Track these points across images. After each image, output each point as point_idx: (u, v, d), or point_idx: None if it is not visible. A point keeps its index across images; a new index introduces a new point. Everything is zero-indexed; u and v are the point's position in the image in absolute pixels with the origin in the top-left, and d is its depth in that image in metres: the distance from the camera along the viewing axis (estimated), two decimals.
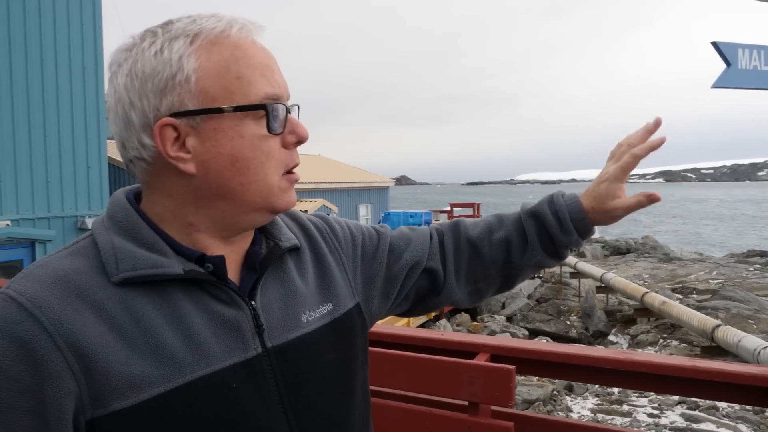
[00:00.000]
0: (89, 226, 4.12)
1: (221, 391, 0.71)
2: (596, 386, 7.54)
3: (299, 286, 0.85)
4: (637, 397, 7.01)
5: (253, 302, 0.78)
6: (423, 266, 1.01)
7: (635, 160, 0.94)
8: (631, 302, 10.92)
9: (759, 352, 6.19)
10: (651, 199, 0.92)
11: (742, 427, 5.61)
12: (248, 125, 0.73)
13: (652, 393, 6.75)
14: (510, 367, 1.58)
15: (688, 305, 9.44)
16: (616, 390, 7.33)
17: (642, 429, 5.97)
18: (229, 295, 0.75)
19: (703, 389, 1.61)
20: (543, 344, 1.80)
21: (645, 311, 9.86)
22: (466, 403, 1.63)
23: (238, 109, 0.72)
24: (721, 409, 5.99)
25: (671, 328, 8.89)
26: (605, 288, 12.07)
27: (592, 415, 6.73)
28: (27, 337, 0.62)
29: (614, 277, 11.63)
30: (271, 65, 0.77)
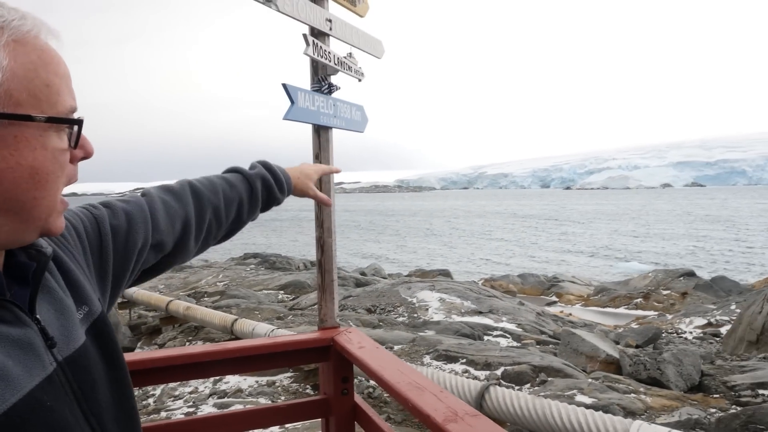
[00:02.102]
0: None
1: (40, 411, 0.67)
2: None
3: (60, 293, 0.80)
4: (172, 401, 7.29)
5: (38, 316, 0.73)
6: (150, 243, 1.02)
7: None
8: (154, 313, 11.15)
9: (268, 335, 7.39)
10: (326, 202, 1.44)
11: (262, 400, 6.58)
12: (51, 137, 0.69)
13: (186, 394, 7.11)
14: None
15: (206, 306, 10.34)
16: (151, 401, 7.42)
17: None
18: (14, 314, 0.69)
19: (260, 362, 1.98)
20: (147, 353, 1.82)
21: (170, 319, 10.24)
22: None
23: (51, 120, 0.68)
24: (244, 390, 6.88)
25: (195, 330, 9.56)
26: (128, 303, 11.89)
27: None
28: None
29: (137, 291, 11.59)
30: (69, 75, 0.73)
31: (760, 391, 5.77)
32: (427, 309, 9.38)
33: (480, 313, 9.14)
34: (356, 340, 1.87)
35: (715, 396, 5.91)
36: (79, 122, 0.71)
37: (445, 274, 20.70)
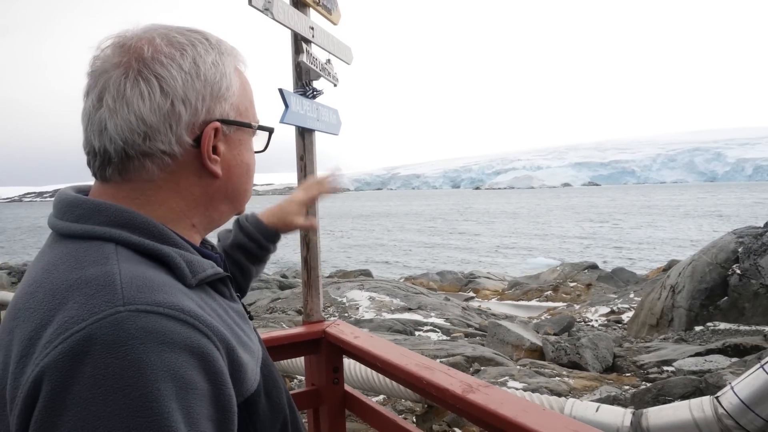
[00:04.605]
0: None
1: (270, 367, 0.86)
2: None
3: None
4: None
5: (238, 294, 0.88)
6: None
7: (319, 195, 1.39)
8: None
9: None
10: (313, 226, 1.49)
11: None
12: (253, 141, 0.87)
13: None
14: None
15: None
16: None
17: None
18: (229, 290, 0.83)
19: None
20: None
21: None
22: None
23: (260, 128, 0.86)
24: None
25: None
26: None
27: None
28: (199, 348, 0.62)
29: None
30: None
31: (665, 368, 6.43)
32: (357, 308, 9.53)
33: (409, 309, 9.42)
34: (349, 331, 1.98)
35: (627, 374, 6.52)
36: (273, 130, 0.90)
37: (366, 273, 20.95)
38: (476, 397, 1.34)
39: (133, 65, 0.72)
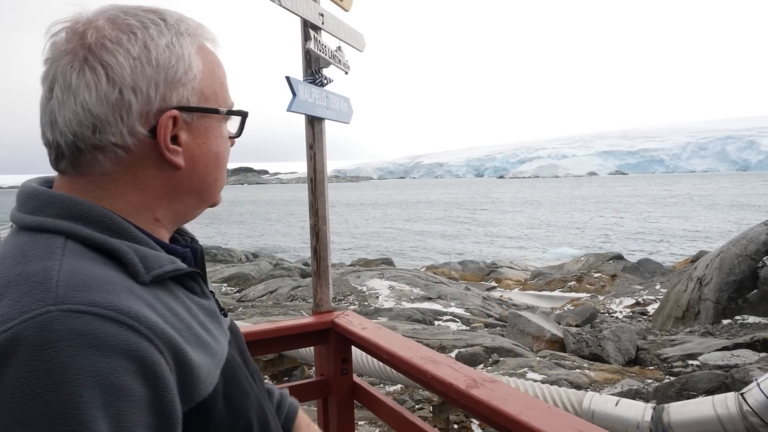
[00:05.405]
0: None
1: (236, 366, 0.79)
2: None
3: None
4: None
5: (212, 291, 0.84)
6: None
7: None
8: None
9: None
10: None
11: None
12: (225, 127, 0.81)
13: None
14: None
15: None
16: None
17: None
18: (200, 286, 0.79)
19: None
20: None
21: None
22: None
23: (230, 112, 0.79)
24: None
25: None
26: None
27: None
28: (137, 351, 0.58)
29: None
30: None
31: (690, 362, 6.29)
32: (377, 297, 9.54)
33: (429, 299, 9.39)
34: (357, 322, 1.96)
35: (650, 368, 6.40)
36: (246, 114, 0.82)
37: (388, 262, 20.97)
38: (480, 393, 1.31)
39: (78, 53, 0.68)
